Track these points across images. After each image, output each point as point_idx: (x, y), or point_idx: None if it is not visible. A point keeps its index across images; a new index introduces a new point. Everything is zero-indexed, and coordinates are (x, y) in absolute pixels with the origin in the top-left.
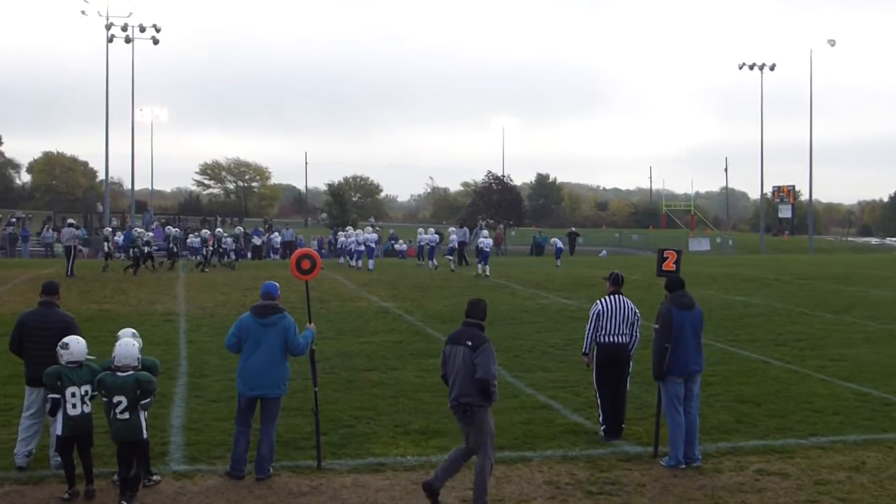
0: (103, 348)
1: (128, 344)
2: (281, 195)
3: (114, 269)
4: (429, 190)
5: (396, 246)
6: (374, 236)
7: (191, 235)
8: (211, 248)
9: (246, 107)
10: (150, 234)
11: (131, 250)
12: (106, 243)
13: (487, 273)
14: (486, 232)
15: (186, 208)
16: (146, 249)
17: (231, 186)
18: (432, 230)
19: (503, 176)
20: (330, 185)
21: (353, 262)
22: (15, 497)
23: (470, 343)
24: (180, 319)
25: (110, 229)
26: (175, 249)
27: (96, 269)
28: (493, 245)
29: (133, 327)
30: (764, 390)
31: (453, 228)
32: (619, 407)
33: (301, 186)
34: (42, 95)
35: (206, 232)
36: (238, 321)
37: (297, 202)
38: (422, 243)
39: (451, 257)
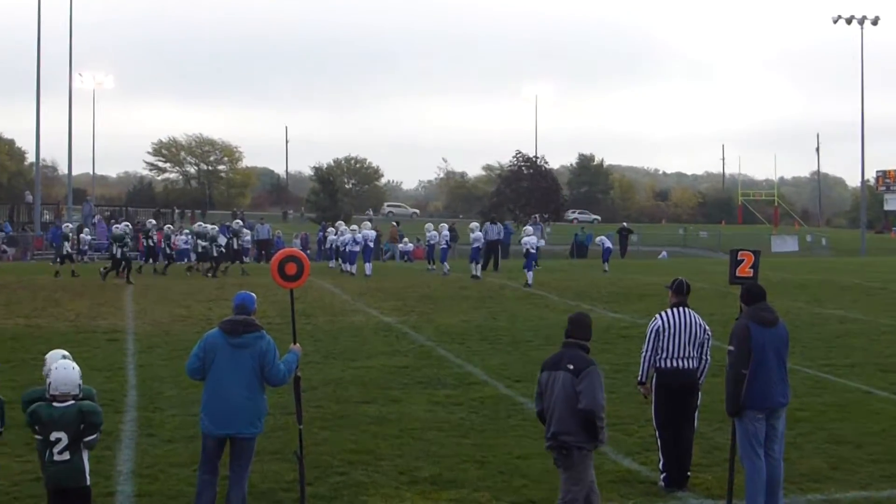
0: (32, 375)
1: (67, 367)
2: (255, 181)
3: (76, 273)
4: (441, 175)
5: (401, 245)
6: (373, 233)
7: (186, 233)
8: (215, 248)
9: (211, 73)
10: (151, 226)
11: (116, 249)
12: (66, 242)
13: (529, 282)
14: (530, 228)
15: (136, 198)
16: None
17: (192, 170)
18: (445, 226)
19: (536, 157)
20: (317, 169)
21: (346, 267)
22: None
23: (571, 367)
24: (128, 338)
25: (70, 225)
26: (169, 251)
27: (25, 273)
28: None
29: (70, 347)
30: (865, 428)
31: (476, 224)
32: (683, 450)
33: (280, 170)
34: None
35: (212, 227)
36: (202, 340)
37: (275, 190)
38: (432, 242)
39: (475, 263)
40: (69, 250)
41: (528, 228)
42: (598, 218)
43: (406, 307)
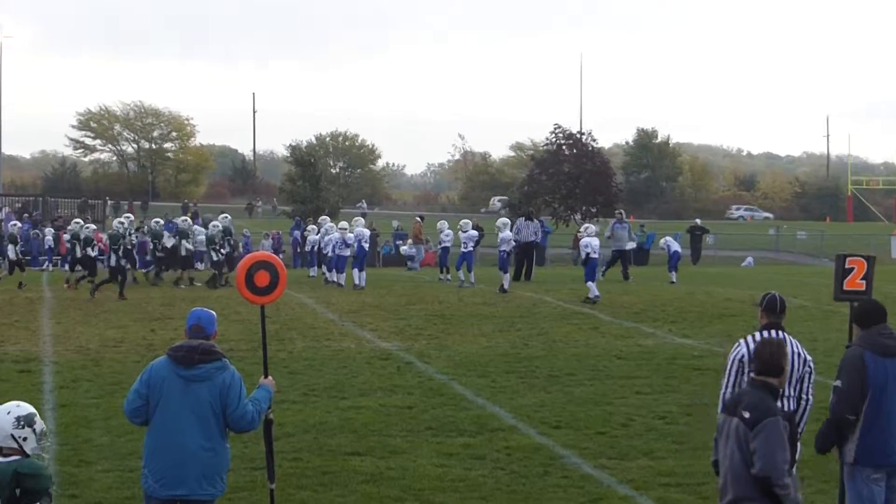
0: None
1: None
2: (212, 164)
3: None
4: (457, 156)
5: (404, 248)
6: (366, 232)
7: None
8: (224, 252)
9: (156, 24)
10: (158, 225)
11: (112, 254)
12: (12, 246)
13: (593, 296)
14: (593, 228)
15: (56, 185)
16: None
17: (129, 149)
18: (469, 223)
19: (581, 133)
20: (293, 148)
21: (332, 276)
22: None
23: (747, 415)
24: (45, 369)
25: (20, 224)
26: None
27: None
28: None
29: None
30: None
31: (505, 221)
32: None
33: (245, 150)
34: None
35: (225, 218)
36: (145, 372)
37: (238, 175)
38: (446, 244)
39: (506, 273)
40: (17, 255)
41: (590, 227)
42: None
43: (410, 329)
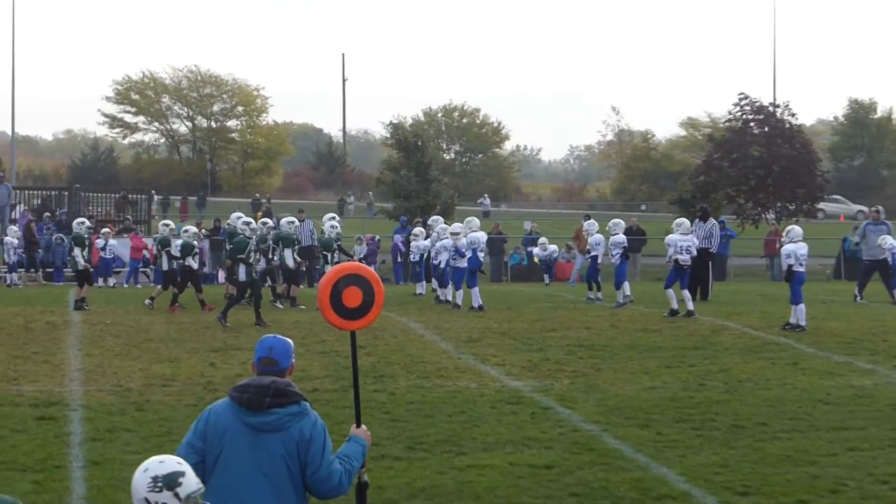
0: None
1: None
2: (289, 147)
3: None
4: (609, 137)
5: (538, 253)
6: (481, 236)
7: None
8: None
9: None
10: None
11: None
12: (79, 250)
13: (801, 322)
14: (798, 231)
15: (85, 175)
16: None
17: (182, 129)
18: (620, 224)
19: (774, 106)
20: (395, 127)
21: (442, 293)
22: None
23: None
24: (73, 415)
25: (16, 229)
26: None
27: None
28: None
29: None
30: None
31: (684, 222)
32: None
33: (333, 130)
34: None
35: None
36: (201, 419)
37: (323, 162)
38: (596, 252)
39: (683, 293)
40: (86, 263)
41: (794, 230)
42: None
43: (548, 364)
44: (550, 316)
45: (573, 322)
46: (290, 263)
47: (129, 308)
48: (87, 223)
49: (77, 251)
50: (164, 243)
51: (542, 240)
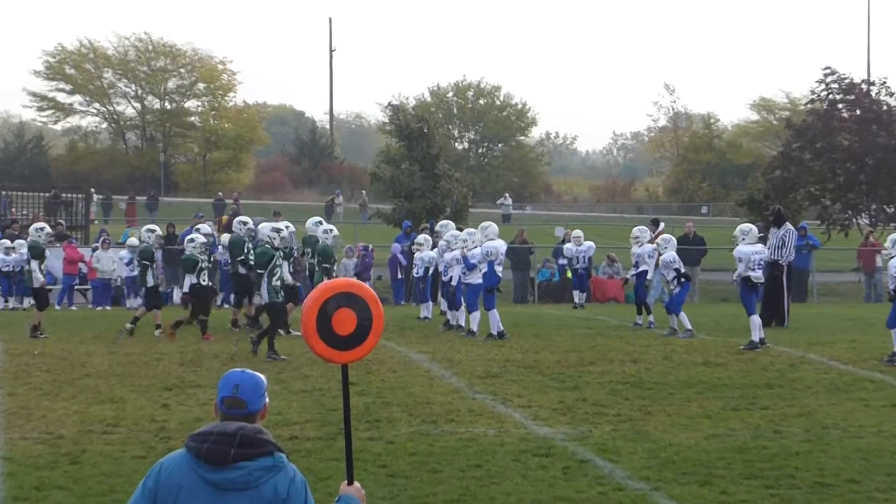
0: None
1: None
2: (262, 134)
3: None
4: (661, 122)
5: (569, 251)
6: (500, 246)
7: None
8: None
9: None
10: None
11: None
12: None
13: None
14: None
15: (7, 168)
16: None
17: (129, 111)
18: (672, 241)
19: (868, 84)
20: (395, 109)
21: (452, 316)
22: None
23: None
24: None
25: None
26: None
27: None
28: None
29: None
30: None
31: (750, 228)
32: None
33: (317, 113)
34: None
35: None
36: (151, 474)
37: (305, 153)
38: (646, 266)
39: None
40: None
41: None
42: None
43: (586, 405)
44: (588, 345)
45: (616, 353)
46: (289, 279)
47: (61, 335)
48: (48, 229)
49: (35, 265)
50: (146, 255)
51: (577, 233)
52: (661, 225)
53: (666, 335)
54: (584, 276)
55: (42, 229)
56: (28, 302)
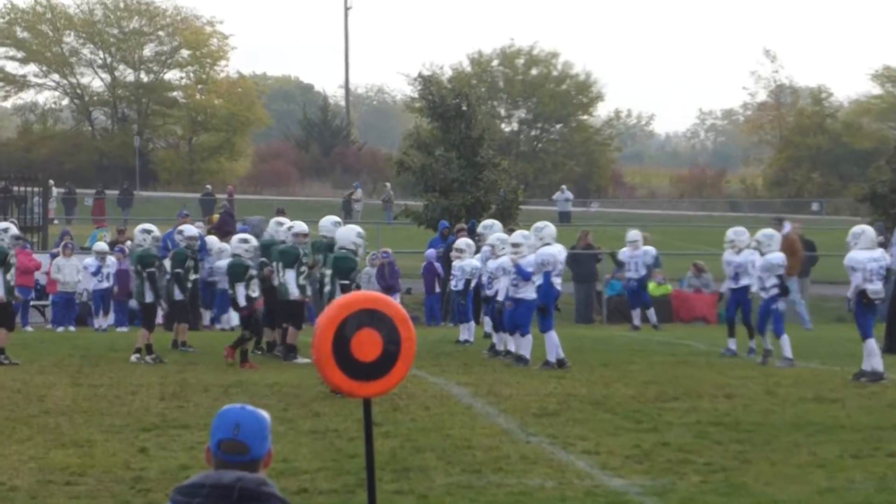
0: None
1: None
2: (262, 113)
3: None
4: (759, 97)
5: (624, 256)
6: (556, 252)
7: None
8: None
9: None
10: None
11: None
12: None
13: None
14: None
15: None
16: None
17: (95, 84)
18: (774, 236)
19: None
20: (426, 80)
21: (499, 340)
22: None
23: None
24: None
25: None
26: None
27: None
28: None
29: None
30: None
31: (861, 230)
32: None
33: (329, 86)
34: None
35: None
36: None
37: (313, 137)
38: (747, 280)
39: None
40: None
41: None
42: None
43: (667, 452)
44: (670, 376)
45: (706, 386)
46: (295, 292)
47: (16, 362)
48: (14, 230)
49: None
50: (146, 261)
51: (634, 234)
52: (787, 226)
53: (760, 363)
54: (636, 289)
55: (6, 230)
56: None
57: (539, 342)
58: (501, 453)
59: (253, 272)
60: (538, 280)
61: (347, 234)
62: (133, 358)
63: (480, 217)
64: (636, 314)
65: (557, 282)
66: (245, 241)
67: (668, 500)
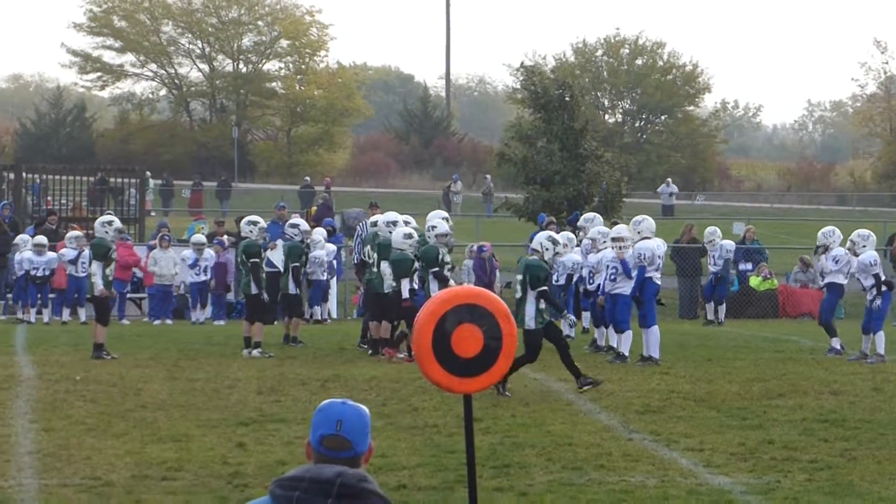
0: None
1: None
2: (361, 103)
3: None
4: (870, 87)
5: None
6: (655, 246)
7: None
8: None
9: None
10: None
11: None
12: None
13: None
14: None
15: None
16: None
17: (193, 74)
18: (868, 236)
19: None
20: (529, 71)
21: (600, 335)
22: None
23: None
24: None
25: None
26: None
27: None
28: None
29: None
30: None
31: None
32: None
33: (430, 77)
34: None
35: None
36: None
37: (413, 129)
38: (838, 275)
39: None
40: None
41: None
42: None
43: (771, 449)
44: (776, 373)
45: (812, 383)
46: (405, 291)
47: (113, 356)
48: (117, 223)
49: (97, 267)
50: (251, 252)
51: (712, 231)
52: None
53: (870, 363)
54: (711, 283)
55: (110, 223)
56: (85, 314)
57: (639, 337)
58: (603, 450)
59: (416, 265)
60: (635, 273)
61: (397, 235)
62: (255, 353)
63: (583, 210)
64: (710, 308)
65: (656, 276)
66: (409, 235)
67: (772, 498)
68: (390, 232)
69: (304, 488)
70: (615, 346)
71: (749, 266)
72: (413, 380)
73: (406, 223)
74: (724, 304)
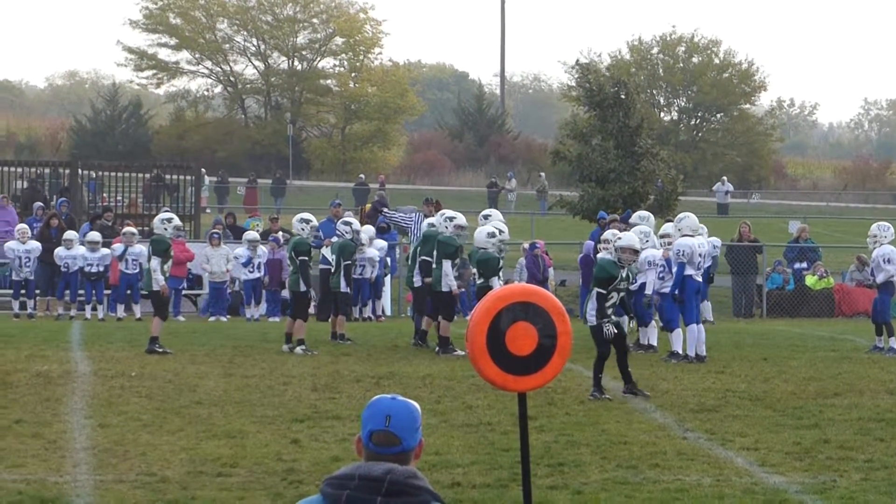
0: None
1: None
2: (415, 100)
3: None
4: None
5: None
6: (698, 244)
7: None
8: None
9: None
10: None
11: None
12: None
13: None
14: None
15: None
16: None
17: (248, 71)
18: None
19: None
20: (584, 69)
21: (643, 334)
22: None
23: None
24: None
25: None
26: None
27: None
28: None
29: None
30: None
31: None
32: None
33: (484, 74)
34: None
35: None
36: None
37: (469, 124)
38: (888, 274)
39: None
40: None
41: None
42: None
43: (829, 448)
44: (832, 372)
45: (868, 382)
46: (452, 284)
47: (168, 351)
48: (176, 221)
49: (156, 263)
50: (301, 249)
51: (796, 224)
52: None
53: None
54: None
55: (170, 220)
56: (140, 310)
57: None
58: (658, 449)
59: (501, 264)
60: (675, 270)
61: (480, 235)
62: (299, 350)
63: (637, 208)
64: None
65: (697, 275)
66: (492, 234)
67: (828, 497)
68: (446, 228)
69: (355, 486)
70: (654, 343)
71: (804, 265)
72: (467, 377)
73: (486, 218)
74: None
